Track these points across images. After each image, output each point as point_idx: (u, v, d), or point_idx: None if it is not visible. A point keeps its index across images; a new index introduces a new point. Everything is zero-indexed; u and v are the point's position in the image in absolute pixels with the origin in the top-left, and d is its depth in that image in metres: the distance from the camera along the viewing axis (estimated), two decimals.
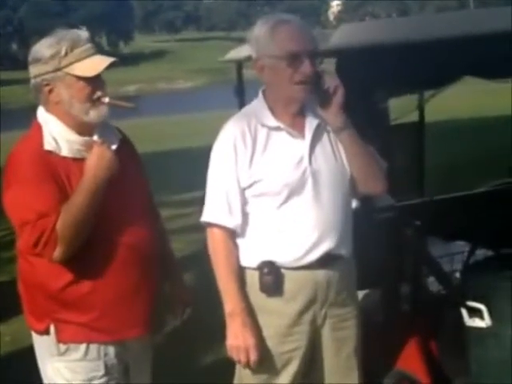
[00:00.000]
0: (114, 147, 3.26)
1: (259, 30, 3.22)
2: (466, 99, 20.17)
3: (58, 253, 3.06)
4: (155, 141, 19.12)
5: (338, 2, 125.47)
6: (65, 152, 3.18)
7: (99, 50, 3.25)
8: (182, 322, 3.60)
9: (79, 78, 3.14)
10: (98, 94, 3.18)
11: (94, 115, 3.18)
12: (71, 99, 3.17)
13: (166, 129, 23.45)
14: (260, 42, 3.21)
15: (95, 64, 3.16)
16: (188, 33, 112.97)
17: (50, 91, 3.18)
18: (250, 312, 3.24)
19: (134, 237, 3.24)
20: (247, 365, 3.25)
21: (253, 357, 3.22)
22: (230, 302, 3.22)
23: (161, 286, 3.43)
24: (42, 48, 3.17)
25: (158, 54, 78.78)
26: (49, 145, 3.16)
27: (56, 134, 3.18)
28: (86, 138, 3.21)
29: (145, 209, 3.39)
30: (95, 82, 3.17)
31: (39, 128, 3.21)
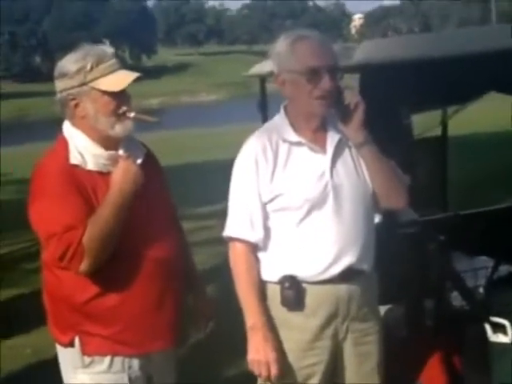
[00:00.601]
0: (139, 161, 3.29)
1: (280, 45, 3.25)
2: (488, 113, 20.09)
3: (84, 266, 3.09)
4: (178, 154, 19.17)
5: (361, 16, 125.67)
6: (90, 166, 3.21)
7: (122, 64, 3.29)
8: (205, 334, 3.61)
9: (104, 92, 3.18)
10: (124, 108, 3.21)
11: (119, 129, 3.21)
12: (97, 113, 3.20)
13: (188, 142, 23.51)
14: (281, 57, 3.24)
15: (120, 79, 3.19)
16: (210, 46, 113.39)
17: (76, 106, 3.21)
18: (271, 326, 3.24)
19: (159, 250, 3.26)
20: (268, 379, 3.25)
21: (274, 371, 3.22)
22: (251, 316, 3.23)
23: (184, 299, 3.45)
24: (68, 63, 3.21)
25: (180, 67, 79.08)
26: (75, 159, 3.19)
27: (82, 148, 3.21)
28: (112, 152, 3.24)
29: (169, 222, 3.42)
30: (120, 97, 3.20)
31: (65, 142, 3.24)
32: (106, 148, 3.24)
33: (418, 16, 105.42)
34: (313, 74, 3.17)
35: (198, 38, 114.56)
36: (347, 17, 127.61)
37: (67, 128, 3.27)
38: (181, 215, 3.68)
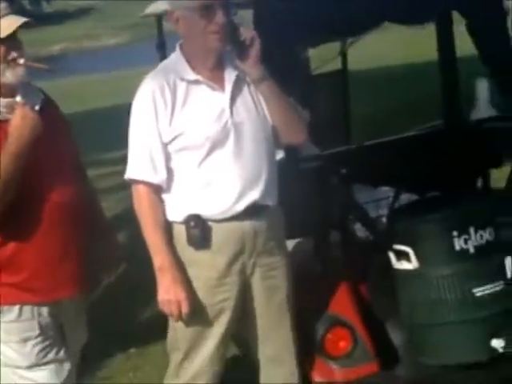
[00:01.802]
0: (37, 108, 3.24)
1: None
2: (394, 47, 20.29)
3: None
4: (83, 99, 18.89)
5: None
6: None
7: (20, 10, 3.20)
8: (116, 277, 3.61)
9: None
10: (14, 54, 3.14)
11: (10, 76, 3.15)
12: None
13: (93, 87, 23.13)
14: None
15: (7, 24, 3.12)
16: None
17: None
18: (180, 266, 3.26)
19: (62, 197, 3.23)
20: (180, 318, 3.28)
21: (185, 309, 3.24)
22: (159, 257, 3.24)
23: (93, 245, 3.43)
24: None
25: (81, 12, 77.28)
26: None
27: None
28: (8, 100, 3.18)
29: (72, 169, 3.38)
30: (10, 43, 3.13)
31: None
32: (3, 95, 3.18)
33: None
34: (206, 10, 3.16)
35: None
36: None
37: None
38: (87, 162, 3.65)
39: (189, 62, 3.28)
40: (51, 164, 3.25)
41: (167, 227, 3.28)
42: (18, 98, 3.19)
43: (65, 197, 3.23)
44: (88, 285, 3.42)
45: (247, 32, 3.23)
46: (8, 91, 3.18)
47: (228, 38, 3.21)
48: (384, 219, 4.06)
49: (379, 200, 4.22)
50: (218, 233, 3.27)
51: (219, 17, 3.16)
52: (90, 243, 3.40)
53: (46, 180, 3.22)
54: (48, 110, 3.33)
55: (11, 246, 3.17)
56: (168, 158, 3.25)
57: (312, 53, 4.69)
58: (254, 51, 3.22)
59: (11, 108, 3.16)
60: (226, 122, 3.24)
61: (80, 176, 3.46)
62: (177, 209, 3.28)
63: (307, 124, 3.43)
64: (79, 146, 3.51)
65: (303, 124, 3.41)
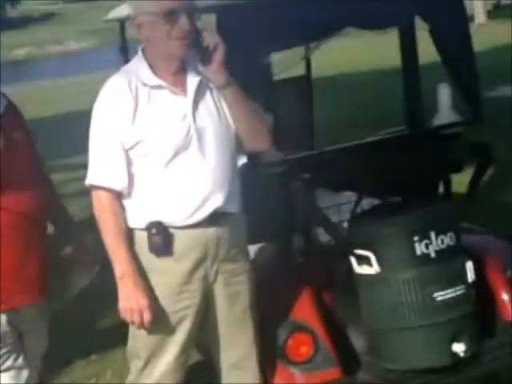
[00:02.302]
0: None
1: None
2: (358, 52, 20.40)
3: None
4: (46, 105, 18.77)
5: None
6: None
7: None
8: (90, 282, 3.60)
9: None
10: None
11: None
12: None
13: (57, 92, 23.00)
14: None
15: None
16: None
17: None
18: (141, 273, 3.24)
19: (21, 203, 3.21)
20: (141, 325, 3.25)
21: (147, 317, 3.22)
22: (120, 265, 3.22)
23: (63, 250, 3.41)
24: None
25: (46, 17, 76.87)
26: None
27: None
28: None
29: (32, 174, 3.35)
30: None
31: None
32: None
33: None
34: (170, 15, 3.14)
35: None
36: None
37: None
38: (51, 167, 3.63)
39: (151, 66, 3.26)
40: (11, 169, 3.22)
41: (128, 234, 3.26)
42: None
43: (22, 203, 3.21)
44: (46, 290, 3.39)
45: (211, 37, 3.21)
46: None
47: (191, 44, 3.20)
48: (345, 224, 4.07)
49: (341, 205, 4.23)
50: (180, 240, 3.25)
51: (183, 22, 3.14)
52: (58, 249, 3.38)
53: (4, 185, 3.19)
54: (10, 114, 3.30)
55: None
56: (129, 163, 3.23)
57: (276, 58, 4.69)
58: (218, 57, 3.21)
59: None
60: (189, 128, 3.22)
61: (41, 181, 3.43)
62: (138, 215, 3.26)
63: (270, 130, 3.43)
64: (43, 151, 3.49)
65: (267, 130, 3.41)
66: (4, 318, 3.25)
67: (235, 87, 3.29)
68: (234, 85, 3.29)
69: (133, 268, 3.22)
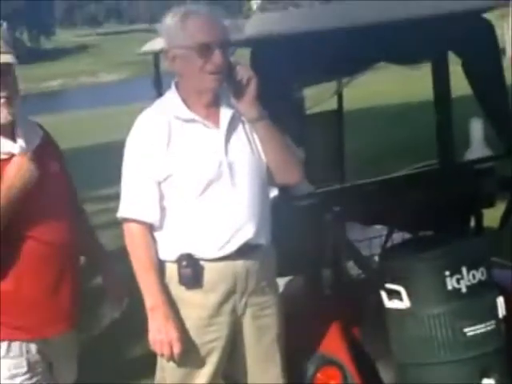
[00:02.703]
0: (33, 146, 3.24)
1: (169, 21, 3.25)
2: (390, 85, 20.41)
3: None
4: (80, 135, 18.90)
5: None
6: None
7: (20, 46, 3.21)
8: (120, 314, 3.60)
9: None
10: None
11: None
12: None
13: (91, 123, 23.20)
14: (170, 32, 3.24)
15: None
16: (110, 25, 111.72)
17: None
18: (171, 305, 3.25)
19: (54, 234, 3.23)
20: (171, 358, 3.26)
21: (176, 350, 3.23)
22: (151, 297, 3.23)
23: (95, 281, 3.43)
24: None
25: (80, 48, 77.78)
26: None
27: None
28: (7, 141, 3.18)
29: (66, 205, 3.37)
30: None
31: None
32: (2, 133, 3.17)
33: None
34: (203, 49, 3.18)
35: (97, 18, 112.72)
36: None
37: None
38: (85, 197, 3.64)
39: (184, 100, 3.28)
40: (45, 201, 3.25)
41: (159, 266, 3.27)
42: (18, 145, 3.19)
43: (56, 234, 3.23)
44: (77, 321, 3.41)
45: (244, 71, 3.24)
46: (4, 128, 3.18)
47: (225, 78, 3.22)
48: (376, 258, 4.06)
49: (372, 238, 4.22)
50: (210, 272, 3.26)
51: (217, 56, 3.17)
52: (89, 279, 3.40)
53: (39, 216, 3.22)
54: (45, 146, 3.34)
55: (2, 283, 3.16)
56: (161, 196, 3.25)
57: (308, 92, 4.72)
58: (251, 91, 3.23)
59: (8, 152, 3.17)
60: (221, 161, 3.24)
61: (75, 212, 3.46)
62: (169, 247, 3.27)
63: (302, 164, 3.44)
64: (75, 181, 3.52)
65: (298, 164, 3.42)
66: (34, 347, 3.26)
67: (267, 121, 3.31)
68: (265, 119, 3.31)
69: (163, 300, 3.23)
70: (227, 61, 3.22)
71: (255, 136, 3.34)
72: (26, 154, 3.18)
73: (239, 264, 3.29)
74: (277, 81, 3.65)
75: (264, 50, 3.74)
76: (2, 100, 3.14)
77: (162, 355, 3.27)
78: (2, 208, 3.09)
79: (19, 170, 3.14)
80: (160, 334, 3.22)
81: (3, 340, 3.21)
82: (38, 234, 3.20)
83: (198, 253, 3.24)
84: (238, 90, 3.25)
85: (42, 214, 3.22)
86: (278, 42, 3.67)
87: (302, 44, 3.71)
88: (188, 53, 3.20)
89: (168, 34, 3.27)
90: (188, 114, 3.27)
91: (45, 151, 3.29)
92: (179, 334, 3.23)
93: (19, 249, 3.17)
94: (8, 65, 3.16)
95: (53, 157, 3.37)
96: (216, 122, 3.29)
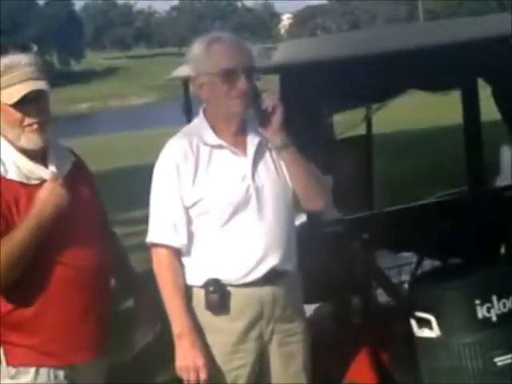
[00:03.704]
0: (65, 172, 3.25)
1: (195, 48, 3.27)
2: (412, 111, 20.39)
3: None
4: (109, 158, 19.02)
5: (289, 16, 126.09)
6: (11, 175, 3.16)
7: (50, 69, 3.23)
8: (153, 338, 3.59)
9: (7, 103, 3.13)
10: (28, 121, 3.15)
11: (24, 142, 3.16)
12: (4, 124, 3.17)
13: (119, 146, 23.36)
14: (196, 59, 3.26)
15: (20, 90, 3.12)
16: (139, 49, 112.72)
17: None
18: (198, 331, 3.24)
19: (83, 259, 3.23)
20: None
21: (202, 376, 3.21)
22: (178, 322, 3.22)
23: (127, 306, 3.43)
24: None
25: (109, 71, 78.51)
26: None
27: (3, 156, 3.17)
28: (38, 166, 3.19)
29: (96, 230, 3.37)
30: (25, 109, 3.13)
31: None
32: (31, 158, 3.19)
33: (347, 15, 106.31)
34: (228, 75, 3.19)
35: (126, 41, 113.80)
36: (276, 17, 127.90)
37: None
38: (114, 220, 3.64)
39: (212, 126, 3.30)
40: (75, 225, 3.25)
41: (186, 291, 3.27)
42: (50, 170, 3.20)
43: (86, 260, 3.23)
44: (105, 348, 3.40)
45: (270, 99, 3.24)
46: (33, 154, 3.19)
47: (250, 103, 3.23)
48: (406, 285, 4.03)
49: (401, 266, 4.20)
50: (236, 298, 3.25)
51: (242, 82, 3.18)
52: (121, 303, 3.39)
53: (68, 241, 3.22)
54: (77, 170, 3.35)
55: (31, 308, 3.16)
56: (189, 221, 3.25)
57: (337, 117, 4.72)
58: (276, 119, 3.23)
59: (40, 179, 3.18)
60: (248, 187, 3.24)
61: (106, 236, 3.46)
62: (196, 273, 3.27)
63: (329, 190, 3.43)
64: (105, 204, 3.52)
65: (324, 191, 3.40)
66: (62, 373, 3.25)
67: (292, 148, 3.31)
68: (291, 146, 3.30)
69: (190, 326, 3.22)
70: (252, 86, 3.23)
71: (281, 162, 3.34)
72: (58, 180, 3.20)
73: (266, 290, 3.28)
74: (306, 107, 3.66)
75: (293, 76, 3.74)
76: (35, 126, 3.16)
77: (189, 381, 3.25)
78: (33, 233, 3.10)
79: (50, 196, 3.15)
80: (186, 360, 3.21)
81: (31, 365, 3.21)
82: (67, 259, 3.20)
83: (225, 278, 3.23)
84: (264, 118, 3.26)
85: (72, 240, 3.23)
86: (307, 68, 3.67)
87: (331, 71, 3.71)
88: (214, 79, 3.22)
89: (194, 62, 3.29)
90: (216, 140, 3.28)
91: (76, 176, 3.30)
92: (205, 361, 3.21)
93: (49, 273, 3.17)
94: (41, 91, 3.18)
95: (84, 182, 3.38)
96: (243, 148, 3.30)
